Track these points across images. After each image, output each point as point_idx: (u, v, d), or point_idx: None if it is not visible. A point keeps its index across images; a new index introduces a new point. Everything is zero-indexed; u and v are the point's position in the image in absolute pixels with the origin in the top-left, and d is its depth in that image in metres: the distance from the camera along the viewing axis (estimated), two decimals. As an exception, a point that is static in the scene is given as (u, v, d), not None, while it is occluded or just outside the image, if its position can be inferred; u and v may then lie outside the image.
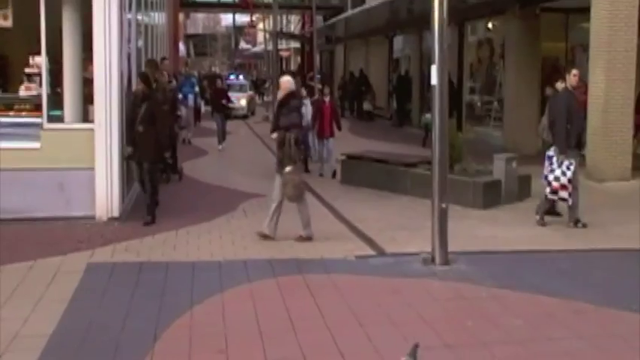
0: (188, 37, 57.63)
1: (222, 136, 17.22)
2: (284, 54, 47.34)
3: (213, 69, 58.02)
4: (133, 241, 7.73)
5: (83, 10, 8.98)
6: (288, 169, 7.91)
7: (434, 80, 7.24)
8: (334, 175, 13.07)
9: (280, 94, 8.46)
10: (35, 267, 6.71)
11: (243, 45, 63.62)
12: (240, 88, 30.51)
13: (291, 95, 8.30)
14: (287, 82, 8.43)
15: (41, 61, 8.81)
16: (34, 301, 5.76)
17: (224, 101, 17.80)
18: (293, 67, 44.70)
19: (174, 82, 12.71)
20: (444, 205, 7.17)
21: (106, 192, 8.50)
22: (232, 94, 26.00)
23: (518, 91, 16.41)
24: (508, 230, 8.85)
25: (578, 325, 5.45)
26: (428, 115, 15.17)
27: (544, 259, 7.48)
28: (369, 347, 4.95)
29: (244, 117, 27.07)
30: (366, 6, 25.26)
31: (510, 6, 16.51)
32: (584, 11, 13.28)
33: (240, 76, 36.12)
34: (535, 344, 5.04)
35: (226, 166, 15.04)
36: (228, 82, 30.40)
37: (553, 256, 7.64)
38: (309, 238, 7.98)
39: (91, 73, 8.92)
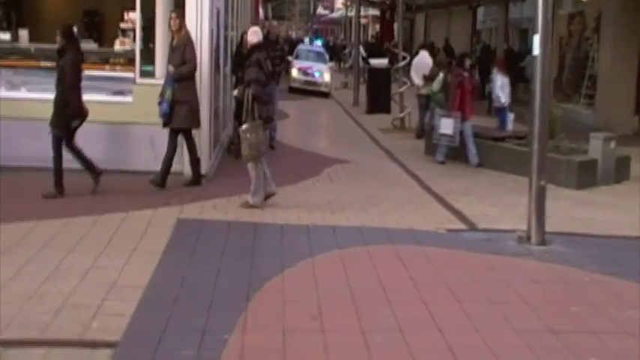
0: (266, 1, 57.54)
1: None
2: (362, 21, 46.65)
3: (290, 33, 57.86)
4: (221, 200, 7.71)
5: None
6: (244, 126, 7.50)
7: (536, 50, 6.85)
8: (479, 163, 10.96)
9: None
10: (128, 218, 6.76)
11: (320, 10, 63.11)
12: (318, 57, 24.60)
13: (256, 48, 7.70)
14: (252, 33, 7.90)
15: (135, 16, 8.80)
16: (128, 251, 5.80)
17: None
18: (371, 34, 44.07)
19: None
20: (542, 183, 6.83)
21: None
22: (308, 65, 23.01)
23: (613, 67, 15.59)
24: (606, 213, 8.42)
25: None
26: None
27: (647, 246, 7.06)
28: (468, 325, 4.74)
29: (326, 95, 22.71)
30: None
31: (611, -24, 15.63)
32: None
33: (317, 41, 30.43)
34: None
35: (306, 130, 14.92)
36: (301, 48, 25.92)
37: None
38: (254, 206, 7.41)
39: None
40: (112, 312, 4.60)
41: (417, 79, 14.58)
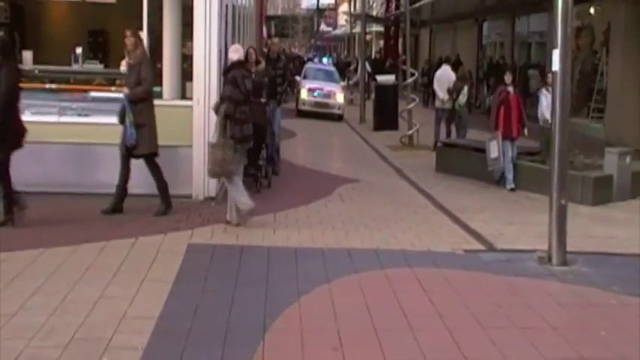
0: (268, 19, 57.70)
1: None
2: (366, 37, 46.72)
3: (293, 50, 57.95)
4: (231, 223, 7.52)
5: (184, -15, 8.84)
6: (213, 141, 7.39)
7: (555, 66, 6.68)
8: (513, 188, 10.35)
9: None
10: (137, 244, 6.58)
11: (323, 27, 63.27)
12: (328, 76, 22.43)
13: (235, 65, 7.54)
14: (232, 51, 7.75)
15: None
16: (138, 279, 5.61)
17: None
18: (375, 50, 44.08)
19: (262, 64, 10.22)
20: (563, 202, 6.65)
21: (203, 171, 8.31)
22: (318, 85, 20.99)
23: (623, 81, 15.42)
24: (626, 230, 8.20)
25: None
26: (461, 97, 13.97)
27: (672, 265, 6.85)
28: (496, 353, 4.53)
29: (339, 117, 20.79)
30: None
31: (619, -10, 15.52)
32: None
33: (325, 59, 28.33)
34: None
35: (313, 148, 14.75)
36: (309, 66, 24.19)
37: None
38: (229, 223, 7.36)
39: (190, 49, 8.77)
40: (124, 345, 4.40)
41: (441, 93, 14.60)
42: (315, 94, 20.74)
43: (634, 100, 14.90)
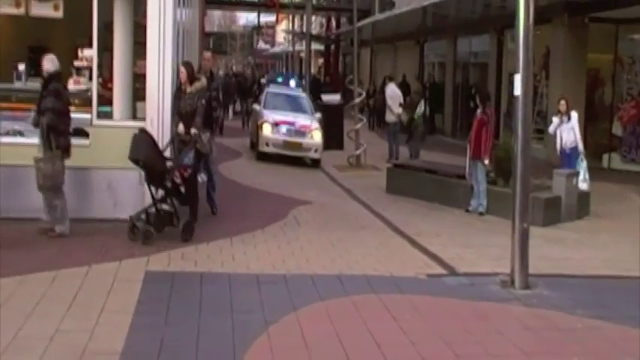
0: (207, 35, 57.25)
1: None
2: (304, 55, 46.94)
3: (230, 67, 57.57)
4: (188, 249, 7.26)
5: (136, 2, 8.57)
6: (38, 156, 7.31)
7: (517, 91, 6.76)
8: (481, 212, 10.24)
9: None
10: (91, 273, 6.25)
11: (261, 45, 63.26)
12: (298, 105, 16.56)
13: (53, 77, 7.44)
14: (47, 60, 7.49)
15: (92, 54, 8.37)
16: (96, 311, 5.31)
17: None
18: (313, 69, 44.27)
19: (202, 81, 8.48)
20: (525, 225, 6.69)
21: (155, 194, 8.02)
22: (287, 118, 15.39)
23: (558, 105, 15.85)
24: (579, 251, 8.37)
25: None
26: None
27: (627, 286, 6.98)
28: (474, 384, 4.47)
29: (315, 163, 15.26)
30: (396, 11, 24.79)
31: (558, 14, 16.01)
32: (636, 22, 12.80)
33: (292, 81, 20.22)
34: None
35: (259, 168, 14.47)
36: (271, 91, 17.58)
37: (636, 282, 7.11)
38: (62, 235, 7.31)
39: (142, 67, 8.50)
40: (87, 385, 4.13)
41: (395, 108, 15.95)
42: (284, 130, 15.08)
43: (573, 122, 15.31)
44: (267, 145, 15.01)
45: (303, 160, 15.23)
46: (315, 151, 15.17)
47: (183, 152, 7.84)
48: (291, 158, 14.97)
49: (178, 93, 8.30)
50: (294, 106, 16.45)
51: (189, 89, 8.22)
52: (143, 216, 7.50)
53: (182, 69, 8.28)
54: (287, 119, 15.36)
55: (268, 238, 8.03)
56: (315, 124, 15.44)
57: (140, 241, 7.22)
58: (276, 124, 15.10)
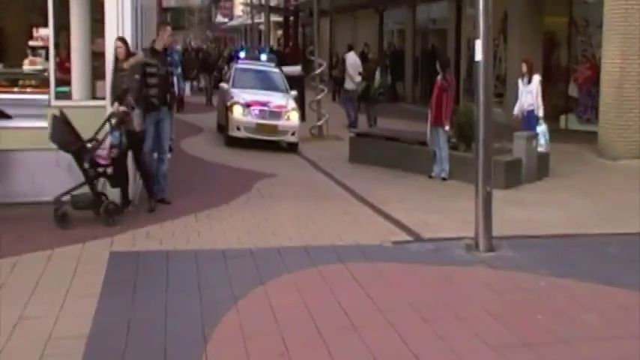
0: (164, 10, 56.17)
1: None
2: (264, 27, 46.42)
3: (188, 42, 56.64)
4: (153, 227, 7.19)
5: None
6: None
7: (478, 56, 6.78)
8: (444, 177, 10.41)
9: None
10: (54, 257, 6.14)
11: (219, 18, 62.36)
12: (272, 83, 14.97)
13: None
14: None
15: (47, 33, 8.10)
16: (60, 296, 5.22)
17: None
18: (272, 41, 43.81)
19: (138, 55, 8.01)
20: (488, 189, 6.76)
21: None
22: (259, 97, 13.78)
23: (521, 67, 15.99)
24: (540, 212, 8.50)
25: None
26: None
27: (589, 244, 7.15)
28: (443, 347, 4.53)
29: (293, 146, 13.68)
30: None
31: (514, -21, 16.09)
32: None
33: (263, 55, 17.59)
34: (622, 342, 4.66)
35: (222, 142, 14.30)
36: (240, 67, 15.59)
37: (597, 240, 7.30)
38: None
39: (100, 46, 8.28)
40: (55, 370, 4.08)
41: (355, 76, 16.87)
42: (256, 112, 13.54)
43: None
44: (238, 129, 13.43)
45: (279, 145, 13.74)
46: (293, 134, 13.56)
47: (110, 132, 7.38)
48: (265, 142, 13.51)
49: (115, 69, 7.85)
50: (267, 83, 14.82)
51: (125, 65, 7.78)
52: (64, 198, 7.16)
53: (119, 44, 7.78)
54: (260, 99, 13.74)
55: (233, 213, 7.99)
56: (292, 104, 13.93)
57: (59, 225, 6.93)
58: (247, 106, 13.51)
